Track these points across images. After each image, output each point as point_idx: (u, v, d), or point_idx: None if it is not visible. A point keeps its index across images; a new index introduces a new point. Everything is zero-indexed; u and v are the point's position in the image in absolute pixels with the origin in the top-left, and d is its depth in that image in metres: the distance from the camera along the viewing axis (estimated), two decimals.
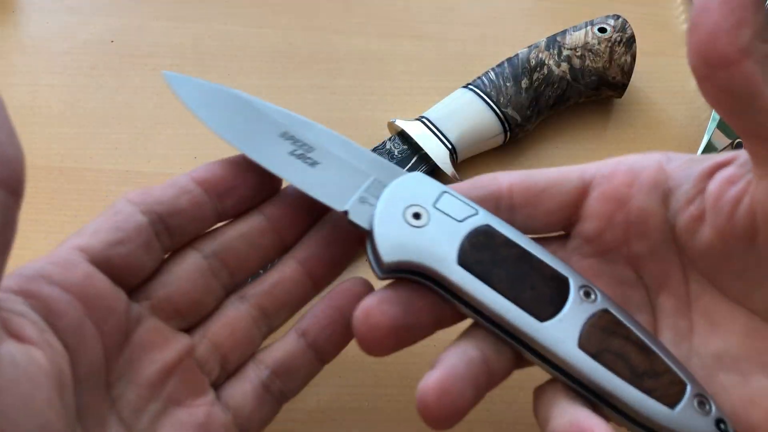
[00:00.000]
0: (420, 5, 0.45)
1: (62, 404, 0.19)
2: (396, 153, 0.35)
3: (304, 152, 0.24)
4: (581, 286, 0.22)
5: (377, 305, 0.21)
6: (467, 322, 0.23)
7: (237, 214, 0.25)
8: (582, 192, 0.24)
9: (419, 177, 0.23)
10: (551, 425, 0.20)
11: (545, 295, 0.21)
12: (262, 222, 0.25)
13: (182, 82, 0.25)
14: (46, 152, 0.36)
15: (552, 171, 0.25)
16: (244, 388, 0.23)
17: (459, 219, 0.22)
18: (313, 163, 0.24)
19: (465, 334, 0.22)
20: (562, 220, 0.25)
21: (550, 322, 0.21)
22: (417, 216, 0.22)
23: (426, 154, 0.35)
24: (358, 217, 0.23)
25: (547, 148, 0.38)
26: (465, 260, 0.22)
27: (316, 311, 0.24)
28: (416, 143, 0.35)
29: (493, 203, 0.24)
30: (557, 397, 0.21)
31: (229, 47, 0.41)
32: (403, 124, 0.36)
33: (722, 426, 0.20)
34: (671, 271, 0.23)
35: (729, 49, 0.18)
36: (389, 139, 0.36)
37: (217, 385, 0.24)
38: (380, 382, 0.30)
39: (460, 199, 0.23)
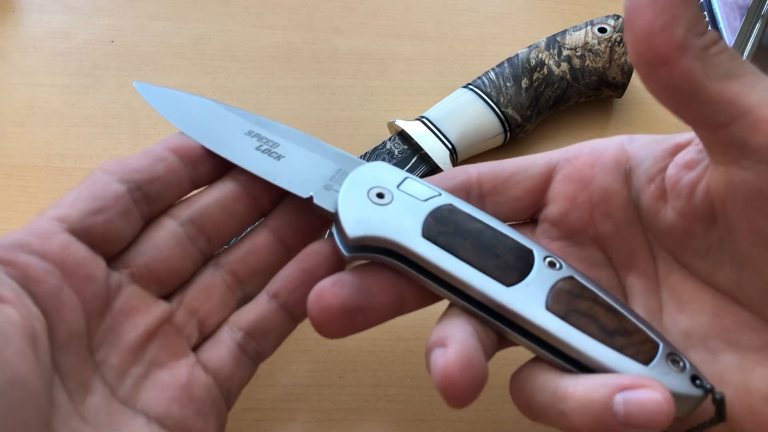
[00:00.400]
0: (420, 5, 0.45)
1: (37, 360, 0.19)
2: (396, 153, 0.35)
3: (269, 147, 0.25)
4: (546, 257, 0.22)
5: (330, 287, 0.22)
6: (437, 307, 0.23)
7: (211, 180, 0.25)
8: (547, 177, 0.25)
9: (383, 165, 0.24)
10: (573, 400, 0.20)
11: (510, 262, 0.22)
12: (236, 188, 0.25)
13: (153, 92, 0.27)
14: (46, 152, 0.36)
15: (519, 159, 0.25)
16: (220, 350, 0.24)
17: (422, 199, 0.23)
18: (279, 157, 0.25)
19: (448, 313, 0.22)
20: (530, 206, 0.25)
21: (516, 286, 0.21)
22: (381, 195, 0.23)
23: (426, 154, 0.35)
24: (322, 201, 0.24)
25: (547, 148, 0.38)
26: (429, 233, 0.22)
27: (286, 273, 0.24)
28: (416, 143, 0.35)
29: (464, 193, 0.25)
30: (552, 375, 0.21)
31: (229, 47, 0.41)
32: (403, 124, 0.36)
33: (698, 382, 0.20)
34: (638, 251, 0.24)
35: (665, 47, 0.18)
36: (389, 139, 0.36)
37: (195, 350, 0.24)
38: (380, 382, 0.30)
39: (422, 183, 0.24)
